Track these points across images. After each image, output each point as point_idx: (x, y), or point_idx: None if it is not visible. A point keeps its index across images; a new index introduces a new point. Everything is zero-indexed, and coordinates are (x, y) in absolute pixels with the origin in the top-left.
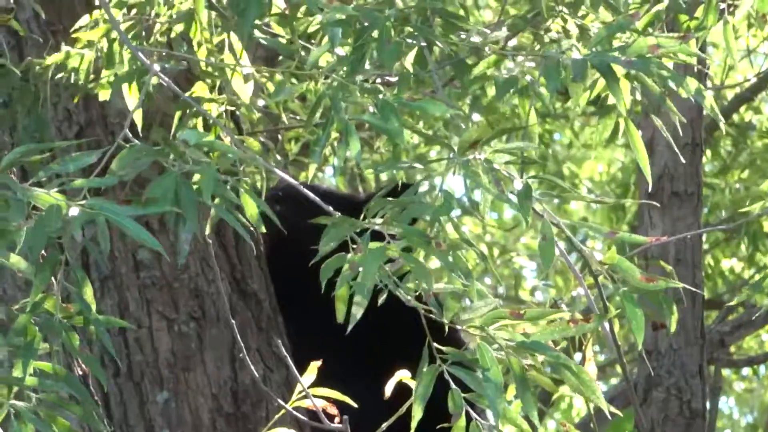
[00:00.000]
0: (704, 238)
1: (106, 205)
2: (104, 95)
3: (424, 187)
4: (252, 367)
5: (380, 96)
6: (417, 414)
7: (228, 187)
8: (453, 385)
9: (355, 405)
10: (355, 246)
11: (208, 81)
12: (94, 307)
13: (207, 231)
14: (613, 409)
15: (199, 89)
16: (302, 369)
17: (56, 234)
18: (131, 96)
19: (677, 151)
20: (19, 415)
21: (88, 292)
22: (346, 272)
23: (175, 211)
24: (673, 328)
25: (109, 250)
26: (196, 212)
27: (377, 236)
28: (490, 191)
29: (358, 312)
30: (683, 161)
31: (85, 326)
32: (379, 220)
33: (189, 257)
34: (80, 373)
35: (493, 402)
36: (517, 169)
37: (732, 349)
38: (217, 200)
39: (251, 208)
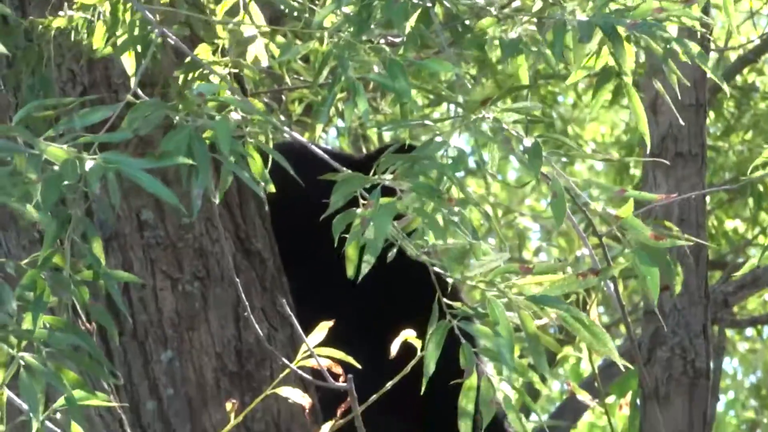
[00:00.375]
0: (708, 198)
1: (121, 158)
2: (107, 52)
3: (435, 144)
4: (256, 326)
5: (387, 55)
6: (429, 369)
7: (237, 143)
8: (463, 340)
9: (359, 366)
10: (365, 202)
11: (215, 41)
12: (103, 261)
13: (218, 200)
14: (624, 363)
15: (203, 52)
16: (306, 329)
17: (72, 188)
18: (131, 59)
19: (676, 113)
20: (29, 368)
21: (98, 247)
22: (357, 228)
23: (188, 164)
24: (677, 288)
25: (117, 206)
26: (208, 166)
27: (387, 192)
28: (500, 149)
29: (366, 267)
30: (686, 122)
31: (94, 281)
32: (389, 176)
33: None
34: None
35: (504, 357)
36: (524, 129)
37: (735, 309)
38: (232, 158)
39: (257, 165)
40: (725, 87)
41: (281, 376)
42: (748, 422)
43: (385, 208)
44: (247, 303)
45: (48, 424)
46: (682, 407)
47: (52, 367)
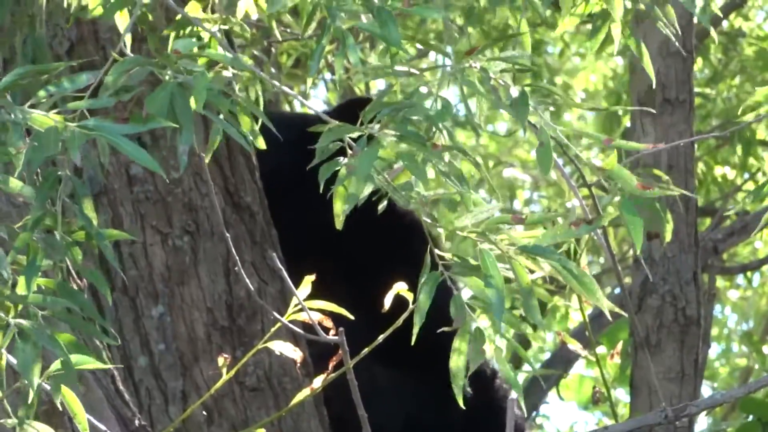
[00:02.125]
0: (696, 145)
1: (104, 124)
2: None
3: (421, 94)
4: (247, 280)
5: (376, 3)
6: (417, 323)
7: (225, 99)
8: (455, 291)
9: (351, 317)
10: (351, 152)
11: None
12: (95, 220)
13: (207, 158)
14: (615, 310)
15: (192, 9)
16: (297, 283)
17: (54, 155)
18: (123, 18)
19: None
20: (23, 334)
21: (88, 206)
22: (343, 174)
23: (172, 126)
24: (668, 237)
25: (106, 164)
26: (191, 123)
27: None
28: (487, 98)
29: (349, 207)
30: (673, 69)
31: (86, 240)
32: (375, 126)
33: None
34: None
35: (496, 308)
36: (511, 79)
37: (725, 257)
38: (221, 115)
39: (246, 123)
40: (713, 32)
41: (272, 330)
42: (740, 370)
43: (368, 152)
44: (237, 257)
45: (45, 386)
46: (673, 355)
47: (48, 331)
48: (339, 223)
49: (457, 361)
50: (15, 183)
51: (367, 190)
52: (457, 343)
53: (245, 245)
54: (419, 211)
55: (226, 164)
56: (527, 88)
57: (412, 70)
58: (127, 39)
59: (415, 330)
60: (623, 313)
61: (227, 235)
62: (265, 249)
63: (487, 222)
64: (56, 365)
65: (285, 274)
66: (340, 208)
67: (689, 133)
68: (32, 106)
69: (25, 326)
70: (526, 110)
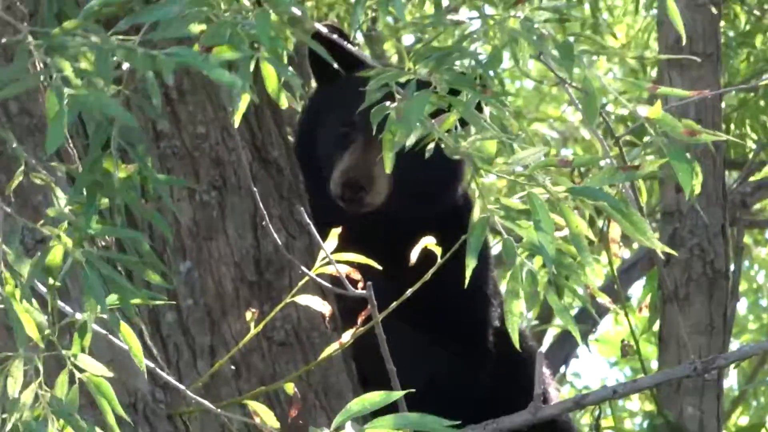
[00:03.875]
0: (724, 102)
1: (189, 52)
2: None
3: (468, 41)
4: (274, 235)
5: None
6: (471, 264)
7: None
8: (505, 234)
9: (380, 268)
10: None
11: None
12: (150, 164)
13: (237, 123)
14: (667, 250)
15: None
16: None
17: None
18: None
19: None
20: (90, 262)
21: (143, 150)
22: (393, 119)
23: (249, 55)
24: (697, 189)
25: (159, 106)
26: (249, 63)
27: (424, 87)
28: (531, 47)
29: (398, 146)
30: (701, 23)
31: (142, 184)
32: (424, 70)
33: (209, 126)
34: None
35: (545, 251)
36: (554, 29)
37: (756, 207)
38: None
39: (272, 82)
40: None
41: (300, 284)
42: None
43: (420, 97)
44: (264, 212)
45: (95, 327)
46: (701, 308)
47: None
48: (388, 167)
49: (511, 304)
50: (112, 105)
51: (416, 135)
52: (510, 285)
53: (273, 200)
54: (465, 156)
55: (253, 119)
56: (571, 38)
57: (458, 19)
58: None
59: (469, 271)
60: (674, 252)
61: (254, 189)
62: (293, 203)
63: (535, 165)
64: (111, 299)
65: (312, 228)
66: (389, 153)
67: (717, 86)
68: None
69: (89, 253)
70: (572, 60)
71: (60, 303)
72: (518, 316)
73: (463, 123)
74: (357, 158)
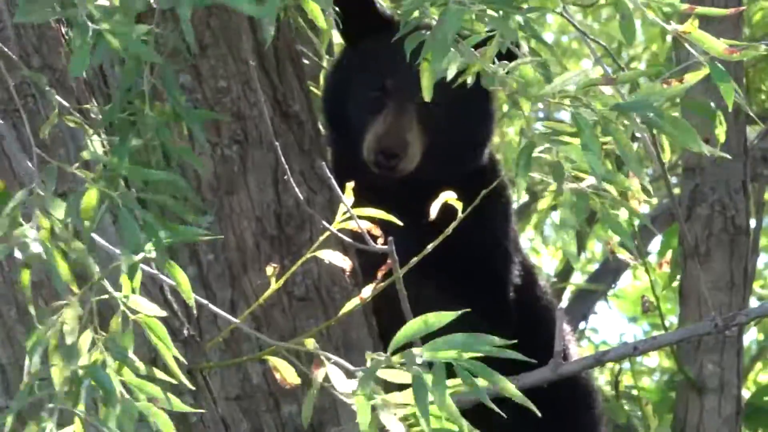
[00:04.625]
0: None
1: None
2: None
3: None
4: (296, 189)
5: None
6: (522, 186)
7: None
8: (556, 157)
9: (401, 224)
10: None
11: None
12: (183, 100)
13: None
14: (720, 154)
15: None
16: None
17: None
18: None
19: None
20: (126, 205)
21: (175, 86)
22: (429, 40)
23: None
24: (722, 138)
25: (191, 36)
26: None
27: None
28: None
29: (434, 75)
30: None
31: (175, 120)
32: None
33: (230, 80)
34: None
35: (594, 164)
36: None
37: None
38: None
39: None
40: None
41: (321, 238)
42: None
43: (453, 12)
44: (286, 166)
45: (143, 266)
46: (722, 264)
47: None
48: (427, 95)
49: (564, 213)
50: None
51: (455, 65)
52: (563, 198)
53: (293, 154)
54: (503, 81)
55: (273, 73)
56: None
57: None
58: None
59: (520, 191)
60: (726, 156)
61: (276, 144)
62: (314, 158)
63: (579, 85)
64: (150, 246)
65: (334, 182)
66: (427, 81)
67: (739, 39)
68: None
69: (126, 195)
70: None
71: (102, 242)
72: (572, 222)
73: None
74: (390, 125)
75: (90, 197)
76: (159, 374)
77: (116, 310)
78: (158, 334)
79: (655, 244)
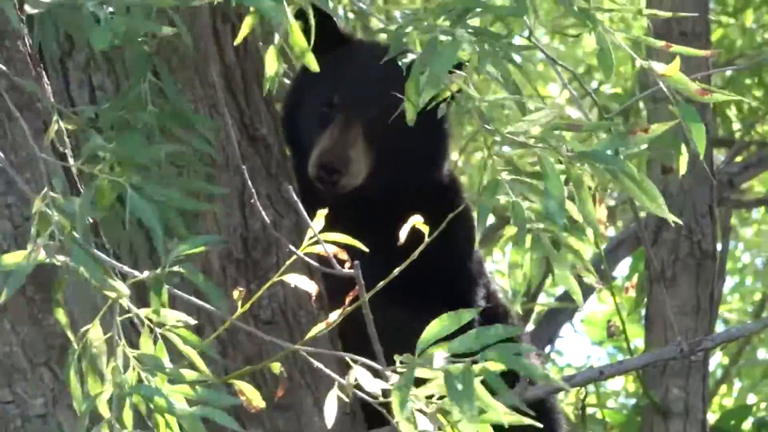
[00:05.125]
0: (716, 76)
1: None
2: None
3: None
4: (262, 213)
5: None
6: (482, 224)
7: None
8: (514, 197)
9: (366, 250)
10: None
11: None
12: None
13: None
14: (675, 220)
15: None
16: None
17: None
18: None
19: None
20: (140, 191)
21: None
22: (417, 69)
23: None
24: (683, 169)
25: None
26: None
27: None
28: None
29: (423, 101)
30: (689, 1)
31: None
32: (446, 24)
33: (198, 103)
34: None
35: (555, 212)
36: None
37: (744, 187)
38: None
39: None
40: None
41: (288, 262)
42: (755, 304)
43: (448, 45)
44: (252, 189)
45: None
46: (688, 288)
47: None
48: (410, 119)
49: (514, 257)
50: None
51: (430, 91)
52: (513, 252)
53: (260, 178)
54: (478, 114)
55: (241, 96)
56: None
57: None
58: None
59: (478, 235)
60: (678, 221)
61: (243, 167)
62: (281, 181)
63: (546, 128)
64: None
65: (300, 206)
66: (411, 106)
67: (705, 65)
68: None
69: (138, 183)
70: (589, 14)
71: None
72: (522, 282)
73: None
74: (334, 140)
75: (104, 187)
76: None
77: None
78: (190, 342)
79: (622, 268)
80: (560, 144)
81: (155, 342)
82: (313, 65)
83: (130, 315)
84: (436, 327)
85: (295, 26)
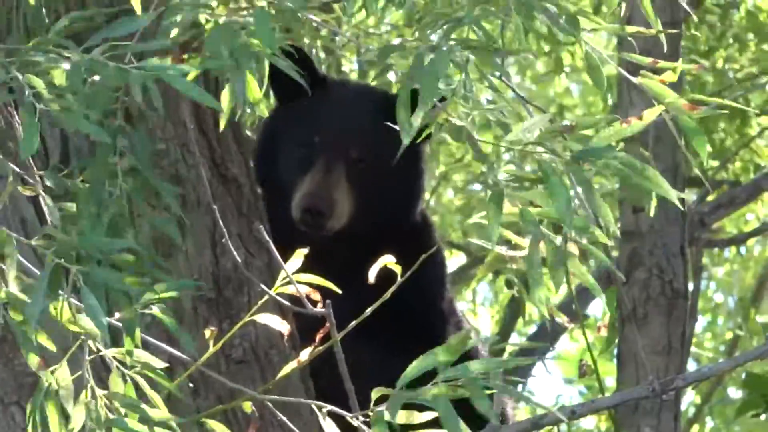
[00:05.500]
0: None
1: (163, 65)
2: None
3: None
4: (234, 252)
5: None
6: (494, 234)
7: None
8: (520, 205)
9: (339, 291)
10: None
11: None
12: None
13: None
14: (681, 196)
15: None
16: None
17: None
18: None
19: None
20: (87, 278)
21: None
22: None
23: (233, 65)
24: (652, 212)
25: (161, 109)
26: (251, 62)
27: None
28: (539, 19)
29: (416, 120)
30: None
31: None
32: (434, 37)
33: (169, 143)
34: None
35: (563, 213)
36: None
37: (715, 226)
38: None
39: (254, 90)
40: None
41: (259, 302)
42: (726, 343)
43: (441, 52)
44: (224, 229)
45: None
46: (660, 328)
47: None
48: (405, 138)
49: (535, 276)
50: (85, 124)
51: (418, 119)
52: (530, 257)
53: (232, 217)
54: (468, 130)
55: (212, 135)
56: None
57: None
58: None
59: (494, 241)
60: (682, 207)
61: (214, 206)
62: (252, 221)
63: (541, 133)
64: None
65: (272, 246)
66: (404, 119)
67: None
68: (86, 51)
69: (86, 270)
70: (578, 29)
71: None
72: (544, 291)
73: None
74: (317, 183)
75: (56, 273)
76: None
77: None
78: (160, 384)
79: (593, 307)
80: (559, 147)
81: (125, 382)
82: (266, 114)
83: (100, 354)
84: (416, 366)
85: (251, 79)
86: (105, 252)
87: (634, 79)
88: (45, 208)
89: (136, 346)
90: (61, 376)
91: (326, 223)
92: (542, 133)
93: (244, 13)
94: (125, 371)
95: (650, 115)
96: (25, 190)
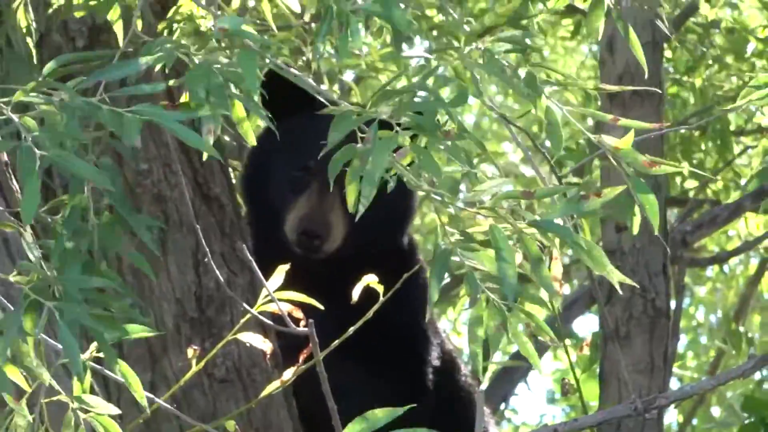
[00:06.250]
0: (667, 137)
1: (158, 110)
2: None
3: (434, 77)
4: (216, 272)
5: None
6: (434, 296)
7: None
8: (468, 268)
9: (322, 308)
10: (363, 136)
11: None
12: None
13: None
14: (628, 281)
15: (186, 6)
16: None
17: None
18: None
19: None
20: (63, 314)
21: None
22: (356, 165)
23: (222, 113)
24: (635, 229)
25: (140, 146)
26: (226, 102)
27: (385, 126)
28: (495, 79)
29: (366, 201)
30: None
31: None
32: (387, 110)
33: (152, 162)
34: None
35: (508, 283)
36: (515, 60)
37: (697, 245)
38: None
39: (242, 121)
40: (672, 37)
41: (242, 321)
42: (709, 362)
43: (384, 141)
44: (206, 248)
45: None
46: (642, 346)
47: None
48: (351, 207)
49: (475, 332)
50: (86, 169)
51: (370, 189)
52: (475, 313)
53: (214, 236)
54: (427, 191)
55: (195, 156)
56: (533, 69)
57: (422, 54)
58: (118, 31)
59: (430, 306)
60: (635, 284)
61: (197, 226)
62: (235, 240)
63: (498, 197)
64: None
65: (254, 265)
66: (353, 195)
67: (658, 121)
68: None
69: (62, 306)
70: (537, 91)
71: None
72: (480, 345)
73: None
74: (314, 206)
75: (30, 312)
76: None
77: (65, 408)
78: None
79: (577, 325)
80: (514, 213)
81: (76, 428)
82: (251, 138)
83: (55, 399)
84: (359, 423)
85: (237, 104)
86: (82, 288)
87: (593, 137)
88: (24, 245)
89: (84, 391)
90: (18, 419)
91: (323, 245)
92: (500, 196)
93: (223, 54)
94: (80, 414)
95: (611, 192)
96: (4, 226)
